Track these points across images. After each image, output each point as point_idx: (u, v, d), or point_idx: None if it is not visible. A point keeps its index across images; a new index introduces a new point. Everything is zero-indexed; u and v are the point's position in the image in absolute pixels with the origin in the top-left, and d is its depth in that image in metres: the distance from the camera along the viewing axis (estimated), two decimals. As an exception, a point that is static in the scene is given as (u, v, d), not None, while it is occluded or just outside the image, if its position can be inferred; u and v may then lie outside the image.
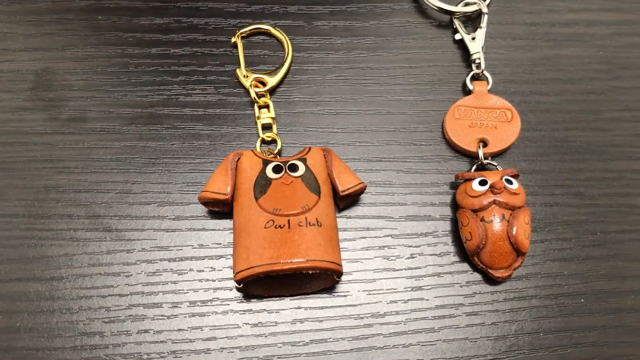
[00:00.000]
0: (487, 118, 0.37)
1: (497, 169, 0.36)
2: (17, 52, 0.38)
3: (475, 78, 0.38)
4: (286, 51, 0.38)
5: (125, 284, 0.34)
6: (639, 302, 0.35)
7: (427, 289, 0.35)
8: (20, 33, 0.38)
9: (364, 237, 0.36)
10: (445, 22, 0.40)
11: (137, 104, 0.37)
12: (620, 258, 0.36)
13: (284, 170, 0.33)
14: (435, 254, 0.35)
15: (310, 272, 0.31)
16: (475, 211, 0.34)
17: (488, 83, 0.38)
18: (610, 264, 0.36)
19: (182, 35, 0.39)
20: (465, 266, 0.35)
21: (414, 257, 0.35)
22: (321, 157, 0.34)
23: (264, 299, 0.34)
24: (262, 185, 0.32)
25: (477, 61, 0.38)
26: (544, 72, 0.39)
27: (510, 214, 0.33)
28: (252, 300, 0.34)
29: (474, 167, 0.36)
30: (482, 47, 0.38)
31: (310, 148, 0.35)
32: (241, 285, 0.32)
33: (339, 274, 0.32)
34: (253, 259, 0.31)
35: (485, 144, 0.37)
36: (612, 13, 0.41)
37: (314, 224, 0.32)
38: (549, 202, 0.37)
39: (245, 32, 0.38)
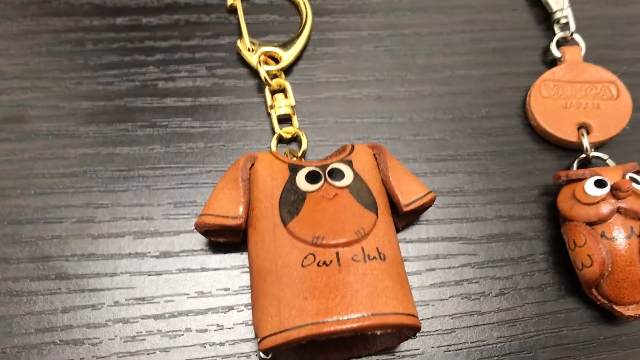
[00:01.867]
0: (586, 95, 0.27)
1: (607, 164, 0.26)
2: None
3: (562, 43, 0.28)
4: (304, 15, 0.28)
5: (93, 357, 0.23)
6: None
7: (526, 339, 0.24)
8: None
9: (433, 269, 0.25)
10: (513, -28, 0.30)
11: (98, 94, 0.26)
12: None
13: (323, 179, 0.22)
14: (534, 287, 0.25)
15: (379, 332, 0.20)
16: (591, 224, 0.23)
17: (581, 49, 0.28)
18: None
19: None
20: (578, 302, 0.25)
21: (505, 294, 0.25)
22: (370, 157, 0.24)
23: (299, 369, 0.23)
24: (292, 201, 0.22)
25: (564, 20, 0.28)
26: (649, 33, 0.30)
27: None
28: (281, 370, 0.23)
29: (576, 163, 0.26)
30: (569, 1, 0.28)
31: (353, 146, 0.24)
32: (269, 356, 0.21)
33: (417, 329, 0.21)
34: (289, 316, 0.20)
35: (587, 130, 0.26)
36: None
37: (375, 258, 0.21)
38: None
39: (247, -9, 0.28)
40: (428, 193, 0.24)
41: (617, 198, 0.24)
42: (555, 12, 0.29)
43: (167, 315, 0.24)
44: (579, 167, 0.26)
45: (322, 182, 0.22)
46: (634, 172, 0.25)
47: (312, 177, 0.22)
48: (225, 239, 0.24)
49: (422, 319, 0.24)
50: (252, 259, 0.22)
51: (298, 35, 0.27)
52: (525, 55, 0.29)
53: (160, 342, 0.23)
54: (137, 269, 0.24)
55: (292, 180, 0.22)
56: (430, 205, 0.24)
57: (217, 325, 0.24)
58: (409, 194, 0.23)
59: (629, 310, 0.24)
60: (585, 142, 0.26)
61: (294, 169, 0.23)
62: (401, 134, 0.27)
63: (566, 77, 0.27)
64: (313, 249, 0.21)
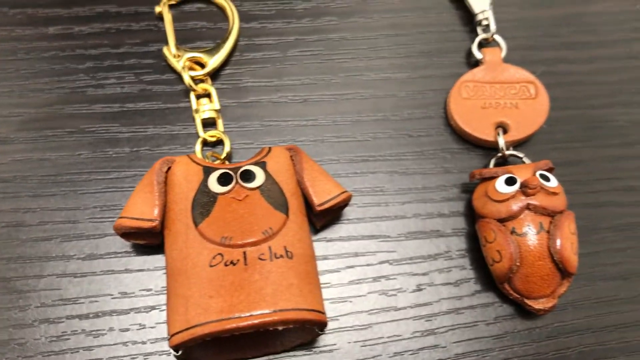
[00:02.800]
0: (505, 96, 0.28)
1: (523, 161, 0.27)
2: None
3: (483, 45, 0.29)
4: (230, 21, 0.28)
5: (18, 357, 0.23)
6: None
7: (442, 333, 0.25)
8: None
9: (352, 266, 0.26)
10: (438, -25, 0.31)
11: (30, 102, 0.27)
12: (695, 270, 0.27)
13: (234, 181, 0.23)
14: (449, 283, 0.26)
15: (280, 327, 0.21)
16: (502, 221, 0.24)
17: (501, 50, 0.29)
18: (683, 280, 0.26)
19: (90, 8, 0.29)
20: (492, 297, 0.26)
21: (421, 290, 0.26)
22: (287, 159, 0.24)
23: (217, 365, 0.24)
24: (203, 203, 0.22)
25: (485, 22, 0.29)
26: (570, 35, 0.30)
27: (550, 222, 0.24)
28: (200, 367, 0.24)
29: (493, 161, 0.27)
30: (490, 3, 0.29)
31: (270, 148, 0.25)
32: (179, 352, 0.21)
33: (323, 325, 0.22)
34: (195, 314, 0.21)
35: (505, 129, 0.27)
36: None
37: (281, 256, 0.22)
38: (592, 202, 0.28)
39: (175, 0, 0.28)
40: (342, 192, 0.24)
41: (527, 195, 0.24)
42: (477, 14, 0.29)
43: (91, 316, 0.24)
44: (495, 166, 0.27)
45: (233, 183, 0.23)
46: (546, 170, 0.26)
47: (224, 179, 0.23)
48: (145, 241, 0.24)
49: (339, 315, 0.25)
50: (167, 260, 0.23)
51: (224, 41, 0.28)
52: (449, 57, 0.30)
53: (84, 341, 0.24)
54: (63, 271, 0.25)
55: (205, 182, 0.23)
56: (346, 204, 0.25)
57: (140, 324, 0.25)
58: (323, 194, 0.24)
59: (539, 304, 0.25)
60: (501, 141, 0.27)
61: (207, 171, 0.23)
62: (325, 136, 0.28)
63: (486, 78, 0.28)
64: (221, 249, 0.22)
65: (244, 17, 0.29)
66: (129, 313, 0.25)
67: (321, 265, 0.26)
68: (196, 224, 0.22)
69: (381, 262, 0.26)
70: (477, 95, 0.28)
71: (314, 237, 0.26)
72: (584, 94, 0.30)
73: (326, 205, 0.24)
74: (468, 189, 0.27)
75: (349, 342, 0.25)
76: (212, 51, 0.28)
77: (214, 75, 0.28)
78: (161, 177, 0.23)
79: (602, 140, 0.29)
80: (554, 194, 0.25)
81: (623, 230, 0.27)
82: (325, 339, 0.25)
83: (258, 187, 0.23)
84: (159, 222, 0.23)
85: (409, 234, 0.27)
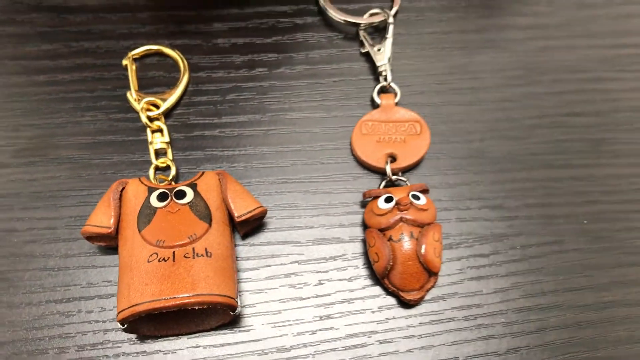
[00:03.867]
0: (396, 132, 0.35)
1: (407, 184, 0.34)
2: None
3: (383, 91, 0.36)
4: (181, 71, 0.36)
5: (7, 331, 0.31)
6: (562, 318, 0.33)
7: (336, 317, 0.32)
8: None
9: (269, 265, 0.33)
10: (351, 34, 0.38)
11: (22, 135, 0.35)
12: (542, 272, 0.34)
13: (169, 198, 0.30)
14: (345, 279, 0.33)
15: (197, 307, 0.28)
16: (382, 230, 0.31)
17: (396, 95, 0.36)
18: (530, 279, 0.33)
19: (72, 61, 0.37)
20: (377, 290, 0.33)
21: (322, 284, 0.33)
22: (215, 181, 0.32)
23: (159, 339, 0.31)
24: (146, 215, 0.30)
25: (384, 73, 0.36)
26: (455, 81, 0.37)
27: (419, 232, 0.31)
28: (146, 341, 0.31)
29: (382, 184, 0.34)
30: (389, 59, 0.36)
31: (203, 172, 0.32)
32: (125, 326, 0.29)
33: (233, 308, 0.29)
34: (134, 296, 0.28)
35: (394, 159, 0.35)
36: (525, 18, 0.40)
37: (202, 255, 0.29)
38: (464, 217, 0.35)
39: (138, 53, 0.36)
40: (258, 207, 0.32)
41: (400, 210, 0.32)
42: (379, 66, 0.37)
43: (64, 300, 0.32)
44: (384, 187, 0.34)
45: (169, 200, 0.30)
46: (420, 191, 0.33)
47: (162, 197, 0.31)
48: (105, 243, 0.32)
49: (257, 303, 0.32)
50: (119, 258, 0.30)
51: (176, 87, 0.36)
52: (356, 101, 0.37)
53: (59, 320, 0.31)
54: (44, 266, 0.32)
55: (148, 199, 0.31)
56: (262, 217, 0.33)
57: (101, 307, 0.32)
58: (242, 208, 0.31)
59: (410, 296, 0.32)
60: (388, 168, 0.34)
61: (151, 191, 0.31)
62: (253, 163, 0.35)
63: (381, 118, 0.36)
64: (157, 249, 0.29)
65: (193, 68, 0.37)
66: (93, 299, 0.32)
67: (244, 264, 0.33)
68: (140, 231, 0.30)
69: (292, 262, 0.33)
70: (373, 132, 0.35)
71: (240, 242, 0.34)
72: (464, 130, 0.36)
73: (244, 217, 0.31)
74: (364, 206, 0.35)
75: (263, 324, 0.32)
76: (165, 95, 0.36)
77: (168, 114, 0.36)
78: (117, 194, 0.31)
79: (477, 167, 0.36)
80: (423, 209, 0.32)
81: (488, 240, 0.34)
82: (244, 321, 0.32)
83: (187, 203, 0.30)
84: (114, 229, 0.30)
85: (315, 240, 0.34)
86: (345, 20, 0.37)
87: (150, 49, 0.36)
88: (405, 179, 0.34)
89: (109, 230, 0.30)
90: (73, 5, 0.38)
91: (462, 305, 0.33)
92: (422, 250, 0.31)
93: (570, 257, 0.34)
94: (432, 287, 0.32)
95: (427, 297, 0.33)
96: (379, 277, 0.32)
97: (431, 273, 0.31)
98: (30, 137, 0.35)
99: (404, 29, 0.39)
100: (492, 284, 0.33)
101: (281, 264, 0.33)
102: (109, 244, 0.32)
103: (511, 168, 0.36)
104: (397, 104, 0.36)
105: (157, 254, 0.29)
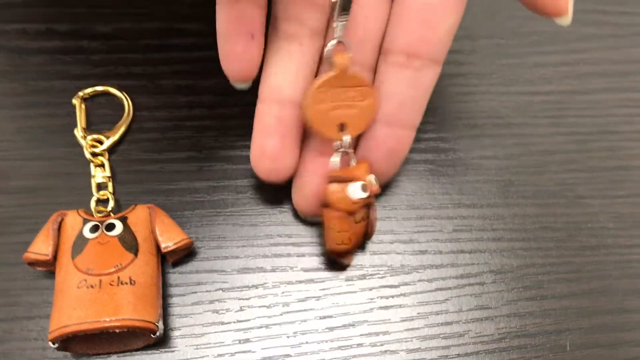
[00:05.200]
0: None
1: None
2: None
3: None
4: (125, 110, 0.39)
5: None
6: (464, 347, 0.36)
7: (254, 341, 0.35)
8: None
9: (195, 292, 0.36)
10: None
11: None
12: (447, 303, 0.37)
13: (100, 230, 0.34)
14: (264, 306, 0.36)
15: (117, 330, 0.31)
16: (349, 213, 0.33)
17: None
18: (435, 309, 0.37)
19: (28, 98, 0.40)
20: (293, 317, 0.36)
21: (243, 310, 0.36)
22: (146, 214, 0.35)
23: (92, 357, 0.34)
24: (79, 244, 0.33)
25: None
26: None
27: (367, 211, 0.35)
28: (80, 358, 0.34)
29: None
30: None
31: (135, 206, 0.36)
32: (56, 345, 0.32)
33: (151, 331, 0.32)
34: (63, 319, 0.31)
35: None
36: (448, 65, 0.43)
37: (126, 283, 0.32)
38: (377, 250, 0.38)
39: (87, 93, 0.40)
40: (184, 239, 0.35)
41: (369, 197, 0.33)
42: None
43: (7, 319, 0.35)
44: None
45: (99, 232, 0.34)
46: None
47: (94, 229, 0.34)
48: (45, 268, 0.35)
49: (181, 327, 0.35)
50: (55, 282, 0.34)
51: (120, 126, 0.39)
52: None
53: (2, 337, 0.35)
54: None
55: (81, 230, 0.34)
56: (189, 248, 0.36)
57: (41, 327, 0.35)
58: (168, 240, 0.35)
59: (347, 260, 0.36)
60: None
61: (85, 223, 0.34)
62: (187, 196, 0.39)
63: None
64: (86, 277, 0.32)
65: (138, 107, 0.40)
66: (34, 319, 0.35)
67: (173, 290, 0.36)
68: (72, 259, 0.33)
69: (216, 290, 0.37)
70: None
71: (170, 270, 0.37)
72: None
73: (170, 248, 0.35)
74: (287, 236, 0.38)
75: (186, 346, 0.35)
76: (109, 132, 0.39)
77: (112, 149, 0.39)
78: (55, 225, 0.34)
79: (393, 203, 0.39)
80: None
81: (398, 273, 0.38)
82: (170, 343, 0.35)
83: (116, 235, 0.34)
84: (52, 257, 0.34)
85: (239, 269, 0.37)
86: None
87: (97, 90, 0.40)
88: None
89: (47, 258, 0.33)
90: (33, 47, 0.41)
91: (370, 332, 0.36)
92: (371, 231, 0.35)
93: (474, 290, 0.37)
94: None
95: (338, 324, 0.36)
96: (334, 256, 0.35)
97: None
98: (-13, 169, 0.38)
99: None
100: (399, 313, 0.36)
101: (207, 291, 0.36)
102: (48, 269, 0.35)
103: (422, 205, 0.39)
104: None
105: (85, 280, 0.32)
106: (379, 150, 0.34)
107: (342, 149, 0.34)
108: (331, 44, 0.32)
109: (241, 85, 0.32)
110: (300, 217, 0.38)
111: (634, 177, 0.41)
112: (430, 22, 0.32)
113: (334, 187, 0.33)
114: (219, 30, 0.30)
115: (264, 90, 0.34)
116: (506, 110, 0.42)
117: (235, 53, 0.30)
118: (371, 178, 0.34)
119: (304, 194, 0.35)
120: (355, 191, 0.33)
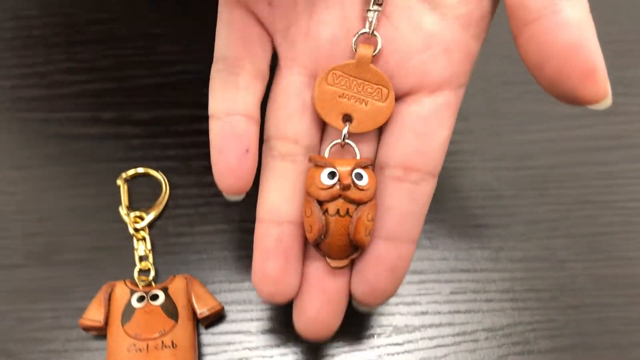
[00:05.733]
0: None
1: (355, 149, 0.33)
2: None
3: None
4: (163, 189, 0.45)
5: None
6: (456, 399, 0.41)
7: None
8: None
9: (225, 351, 0.42)
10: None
11: (35, 241, 0.44)
12: (447, 358, 0.42)
13: (146, 300, 0.39)
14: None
15: (164, 390, 0.37)
16: (320, 202, 0.32)
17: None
18: (434, 365, 0.42)
19: (77, 180, 0.46)
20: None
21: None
22: (184, 284, 0.41)
23: (137, 410, 0.40)
24: (128, 313, 0.39)
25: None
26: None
27: (355, 210, 0.31)
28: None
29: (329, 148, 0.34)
30: None
31: (174, 277, 0.41)
32: (109, 401, 0.38)
33: (191, 387, 0.38)
34: (116, 379, 0.37)
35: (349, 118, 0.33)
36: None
37: (169, 346, 0.38)
38: (382, 312, 0.43)
39: (129, 175, 0.46)
40: (216, 305, 0.41)
41: (341, 189, 0.31)
42: None
43: (63, 377, 0.41)
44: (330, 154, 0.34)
45: (145, 301, 0.40)
46: (364, 167, 0.32)
47: (140, 299, 0.40)
48: (97, 332, 0.41)
49: (214, 381, 0.41)
50: (107, 345, 0.39)
51: (159, 203, 0.45)
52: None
53: (58, 393, 0.40)
54: (49, 349, 0.42)
55: (130, 300, 0.40)
56: (220, 312, 0.42)
57: (93, 383, 0.41)
58: (203, 307, 0.40)
59: (335, 263, 0.33)
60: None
61: (132, 293, 0.40)
62: (217, 265, 0.44)
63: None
64: (134, 341, 0.38)
65: (172, 187, 0.46)
66: (90, 379, 0.41)
67: (206, 349, 0.42)
68: (122, 325, 0.39)
69: (243, 349, 0.42)
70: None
71: (204, 331, 0.42)
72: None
73: (205, 314, 0.40)
74: (303, 302, 0.43)
75: (219, 399, 0.41)
76: (149, 209, 0.45)
77: (152, 224, 0.45)
78: (106, 294, 0.40)
79: (397, 270, 0.45)
80: (363, 190, 0.31)
81: (402, 332, 0.43)
82: (204, 396, 0.41)
83: (160, 304, 0.40)
84: (104, 323, 0.39)
85: (263, 330, 0.43)
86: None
87: (138, 172, 0.46)
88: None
89: (100, 324, 0.39)
90: (81, 133, 0.48)
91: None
92: (353, 230, 0.31)
93: (469, 347, 0.42)
94: (357, 257, 0.33)
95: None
96: (312, 244, 0.33)
97: (358, 247, 0.32)
98: (42, 242, 0.44)
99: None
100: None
101: (235, 350, 0.42)
102: (100, 333, 0.41)
103: (423, 270, 0.44)
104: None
105: (135, 345, 0.38)
106: (381, 266, 0.33)
107: (337, 141, 0.33)
108: (360, 32, 0.31)
109: (234, 197, 0.32)
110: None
111: (611, 242, 0.46)
112: (425, 135, 0.32)
113: (311, 170, 0.32)
114: (212, 143, 0.31)
115: (261, 211, 0.33)
116: (497, 183, 0.48)
117: (229, 167, 0.31)
118: (353, 170, 0.31)
119: (305, 319, 0.34)
120: (324, 176, 0.31)
